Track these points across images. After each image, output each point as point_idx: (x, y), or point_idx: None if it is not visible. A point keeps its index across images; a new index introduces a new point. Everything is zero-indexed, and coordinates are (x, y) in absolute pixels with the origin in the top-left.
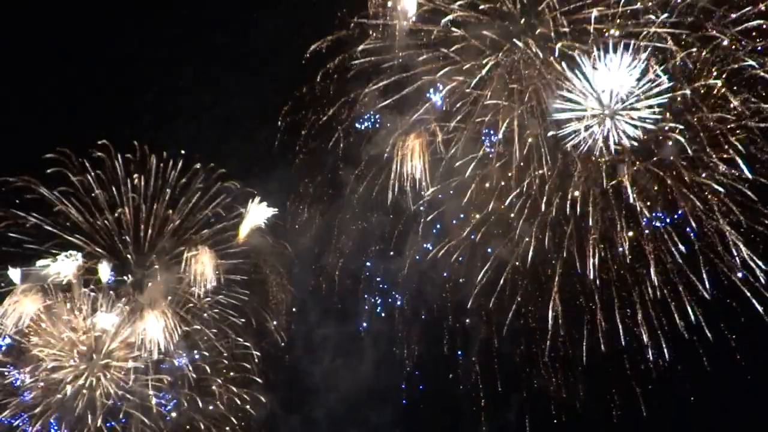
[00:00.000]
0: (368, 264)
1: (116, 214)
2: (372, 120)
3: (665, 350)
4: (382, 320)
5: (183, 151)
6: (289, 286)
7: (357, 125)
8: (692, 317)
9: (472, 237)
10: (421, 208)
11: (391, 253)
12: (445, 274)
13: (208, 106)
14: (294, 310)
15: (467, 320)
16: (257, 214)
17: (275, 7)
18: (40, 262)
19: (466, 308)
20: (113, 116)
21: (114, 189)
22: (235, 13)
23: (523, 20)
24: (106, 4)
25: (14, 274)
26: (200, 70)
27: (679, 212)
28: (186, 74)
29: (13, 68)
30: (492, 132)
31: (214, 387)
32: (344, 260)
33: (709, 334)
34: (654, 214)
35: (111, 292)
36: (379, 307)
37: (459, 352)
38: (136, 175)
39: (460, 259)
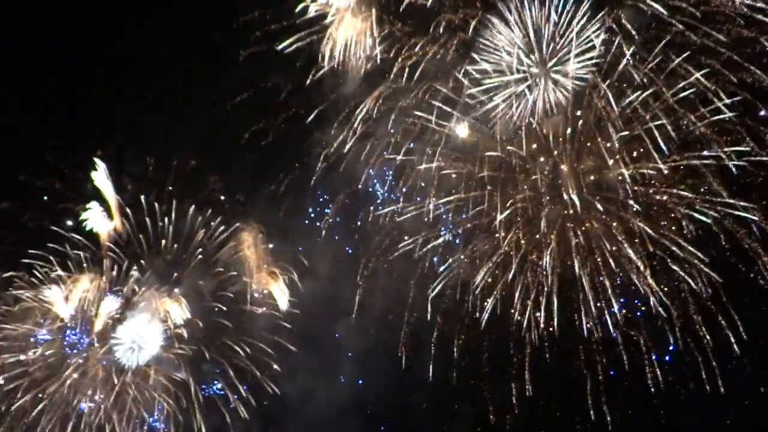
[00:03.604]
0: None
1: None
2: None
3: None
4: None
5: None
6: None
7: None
8: None
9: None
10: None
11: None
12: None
13: (207, 106)
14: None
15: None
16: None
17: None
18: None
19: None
20: (113, 116)
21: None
22: (235, 13)
23: None
24: (106, 4)
25: None
26: (200, 70)
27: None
28: (186, 74)
29: (13, 68)
30: None
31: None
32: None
33: None
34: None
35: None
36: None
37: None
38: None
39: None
